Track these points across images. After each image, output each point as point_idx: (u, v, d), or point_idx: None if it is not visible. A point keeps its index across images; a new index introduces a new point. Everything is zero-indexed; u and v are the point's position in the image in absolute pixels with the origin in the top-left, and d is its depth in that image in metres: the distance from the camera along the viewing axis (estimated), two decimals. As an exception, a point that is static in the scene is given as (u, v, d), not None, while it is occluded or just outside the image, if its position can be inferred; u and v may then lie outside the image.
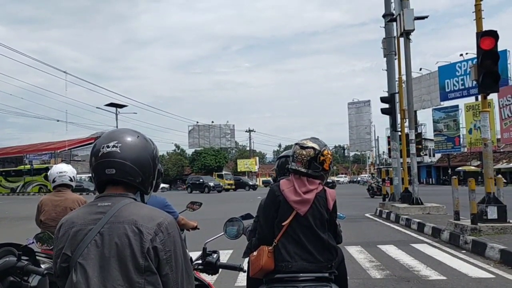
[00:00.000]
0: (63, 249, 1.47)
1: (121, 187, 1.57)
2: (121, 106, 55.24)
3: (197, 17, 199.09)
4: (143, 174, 1.58)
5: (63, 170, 4.23)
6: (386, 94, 17.31)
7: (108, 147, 1.55)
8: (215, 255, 2.51)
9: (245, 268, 2.68)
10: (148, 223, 1.47)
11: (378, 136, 77.45)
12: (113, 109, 54.90)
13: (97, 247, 1.44)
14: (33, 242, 2.96)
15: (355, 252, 8.26)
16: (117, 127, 48.23)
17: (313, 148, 2.62)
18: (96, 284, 1.40)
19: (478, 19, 9.35)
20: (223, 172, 56.59)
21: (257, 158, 76.06)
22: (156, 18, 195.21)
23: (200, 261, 2.52)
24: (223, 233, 2.94)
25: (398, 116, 16.33)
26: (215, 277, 4.76)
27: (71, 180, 4.22)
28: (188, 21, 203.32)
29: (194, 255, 2.67)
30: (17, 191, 46.00)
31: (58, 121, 57.70)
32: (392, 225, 12.72)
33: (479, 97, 11.17)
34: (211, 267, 2.50)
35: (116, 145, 1.55)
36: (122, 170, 1.54)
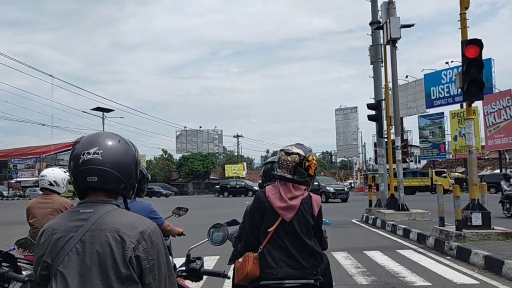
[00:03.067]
0: (43, 257, 1.44)
1: (102, 193, 1.54)
2: (108, 110, 54.85)
3: (186, 21, 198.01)
4: (126, 180, 1.54)
5: (43, 174, 4.33)
6: (372, 101, 17.46)
7: (88, 154, 1.49)
8: (198, 262, 2.49)
9: (230, 274, 2.66)
10: (131, 231, 1.44)
11: (365, 142, 77.93)
12: (99, 113, 54.53)
13: (78, 255, 1.41)
14: (14, 248, 2.91)
15: (342, 258, 8.28)
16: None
17: (298, 154, 2.62)
18: None
19: (463, 28, 9.49)
20: (448, 170, 43.12)
21: (245, 163, 76.02)
22: (144, 22, 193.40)
23: (183, 268, 2.50)
24: (207, 239, 2.92)
25: (385, 122, 16.49)
26: (200, 284, 4.71)
27: (50, 184, 4.23)
28: (176, 25, 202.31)
29: (180, 261, 2.64)
30: None
31: (43, 125, 56.84)
32: (378, 231, 12.79)
33: (464, 104, 11.32)
34: (195, 273, 2.48)
35: (97, 151, 1.50)
36: (105, 177, 1.50)
